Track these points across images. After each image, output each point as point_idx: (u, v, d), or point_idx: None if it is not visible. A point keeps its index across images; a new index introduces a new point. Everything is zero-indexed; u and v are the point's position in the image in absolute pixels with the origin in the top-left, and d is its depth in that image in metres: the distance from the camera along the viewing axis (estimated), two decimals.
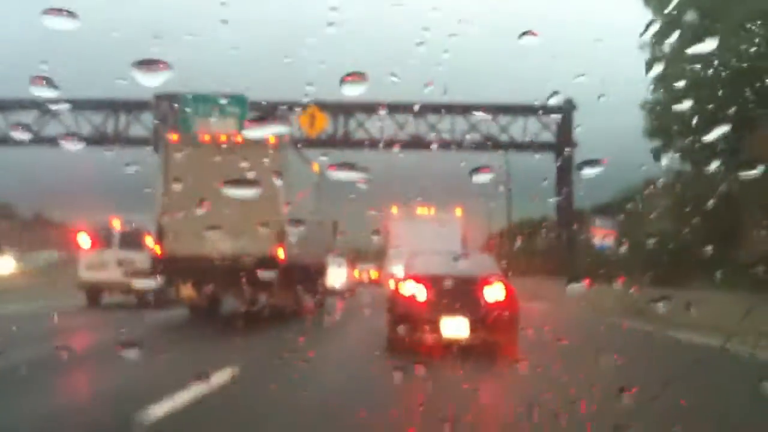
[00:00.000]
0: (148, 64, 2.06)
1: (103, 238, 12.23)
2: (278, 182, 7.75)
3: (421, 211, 13.08)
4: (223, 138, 8.72)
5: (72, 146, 2.69)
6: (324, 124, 21.14)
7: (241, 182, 2.26)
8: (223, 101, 19.64)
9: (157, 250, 8.79)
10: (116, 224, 10.67)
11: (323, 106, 20.65)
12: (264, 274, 6.80)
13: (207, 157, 8.12)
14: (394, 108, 20.66)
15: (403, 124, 21.03)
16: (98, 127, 19.94)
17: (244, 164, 6.40)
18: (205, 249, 8.12)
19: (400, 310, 6.45)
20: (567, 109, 22.01)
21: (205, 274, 8.47)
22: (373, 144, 20.95)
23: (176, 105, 19.00)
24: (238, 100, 19.79)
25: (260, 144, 8.10)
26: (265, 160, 7.68)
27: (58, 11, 1.98)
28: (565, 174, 22.49)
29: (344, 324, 9.24)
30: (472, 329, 6.11)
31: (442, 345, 5.87)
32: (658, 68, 2.85)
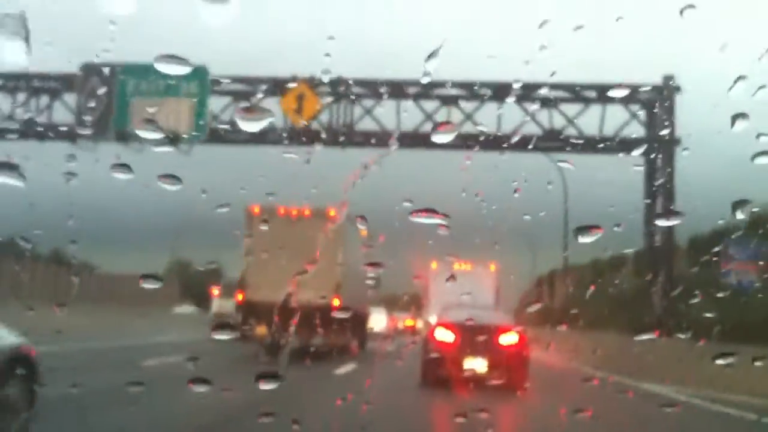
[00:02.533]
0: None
1: (228, 290, 23.43)
2: (335, 246, 16.40)
3: (458, 266, 20.83)
4: (295, 212, 17.05)
5: None
6: (315, 108, 22.63)
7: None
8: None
9: (239, 297, 17.78)
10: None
11: (315, 84, 22.30)
12: (323, 319, 13.75)
13: (281, 225, 16.38)
14: (418, 92, 22.33)
15: (431, 112, 22.53)
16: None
17: (312, 235, 14.39)
18: (276, 297, 14.65)
19: (432, 351, 12.53)
20: (666, 90, 23.38)
21: (276, 317, 15.23)
22: (384, 140, 22.39)
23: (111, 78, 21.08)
24: (196, 73, 21.71)
25: (323, 216, 16.50)
26: (326, 229, 15.56)
27: None
28: (661, 185, 23.83)
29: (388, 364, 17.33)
30: (490, 367, 12.02)
31: (465, 379, 11.15)
32: (742, 124, 4.53)
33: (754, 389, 10.06)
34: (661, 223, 22.85)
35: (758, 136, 5.12)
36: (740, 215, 4.52)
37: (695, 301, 6.40)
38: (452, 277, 20.12)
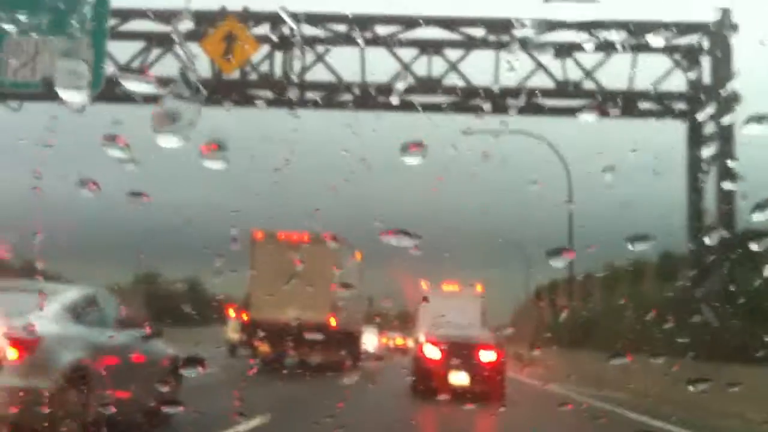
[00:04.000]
0: None
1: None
2: (331, 270, 23.18)
3: (446, 287, 29.42)
4: (294, 237, 24.87)
5: None
6: (250, 50, 24.09)
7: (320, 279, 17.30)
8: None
9: (244, 317, 28.03)
10: None
11: (249, 20, 23.76)
12: (320, 337, 23.33)
13: (282, 250, 23.66)
14: (386, 33, 23.96)
15: (409, 62, 24.04)
16: None
17: (311, 259, 21.18)
18: (278, 317, 23.41)
19: (421, 365, 20.49)
20: (719, 34, 24.26)
21: (277, 335, 24.05)
22: (339, 96, 23.84)
23: None
24: (91, 5, 23.03)
25: (321, 243, 23.27)
26: (324, 254, 22.62)
27: None
28: (712, 156, 24.70)
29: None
30: (471, 380, 19.35)
31: (450, 390, 17.89)
32: None
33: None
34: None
35: None
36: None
37: (668, 326, 8.40)
38: (426, 300, 29.31)
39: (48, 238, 6.76)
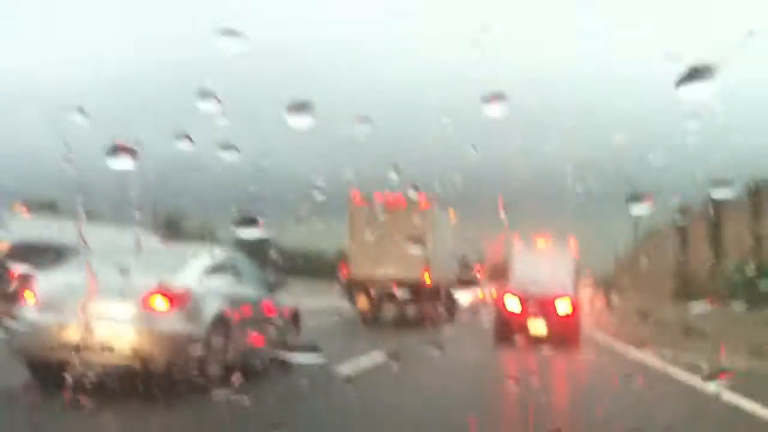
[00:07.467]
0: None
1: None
2: (425, 230, 27.39)
3: (539, 242, 28.65)
4: (391, 200, 26.15)
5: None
6: None
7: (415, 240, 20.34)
8: None
9: (345, 273, 30.10)
10: None
11: None
12: (414, 293, 27.78)
13: (379, 214, 27.25)
14: None
15: None
16: None
17: (406, 221, 24.52)
18: (375, 274, 27.88)
19: (502, 315, 23.26)
20: None
21: (375, 291, 28.62)
22: None
23: None
24: None
25: (416, 206, 25.85)
26: (420, 217, 26.06)
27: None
28: None
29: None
30: (549, 329, 22.15)
31: (529, 339, 20.90)
32: None
33: None
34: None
35: None
36: None
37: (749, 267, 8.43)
38: (513, 236, 28.26)
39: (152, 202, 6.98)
